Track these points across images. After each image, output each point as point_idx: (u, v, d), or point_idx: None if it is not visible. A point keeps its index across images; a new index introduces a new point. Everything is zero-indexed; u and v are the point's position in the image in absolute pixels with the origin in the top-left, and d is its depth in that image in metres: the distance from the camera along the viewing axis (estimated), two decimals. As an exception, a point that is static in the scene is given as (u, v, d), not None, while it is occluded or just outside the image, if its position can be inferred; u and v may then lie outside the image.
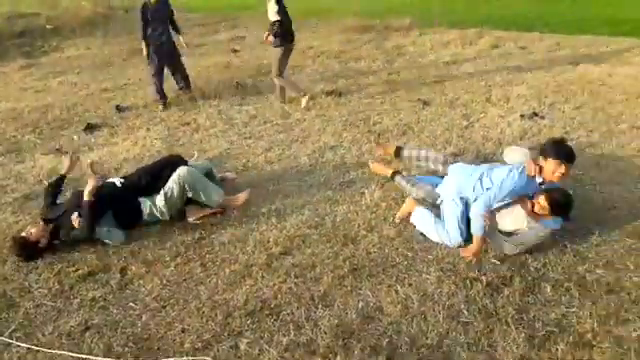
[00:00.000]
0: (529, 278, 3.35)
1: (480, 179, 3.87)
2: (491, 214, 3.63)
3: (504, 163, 4.21)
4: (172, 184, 4.09)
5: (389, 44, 9.72)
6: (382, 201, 4.36)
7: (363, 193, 4.51)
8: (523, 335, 2.91)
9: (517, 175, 3.67)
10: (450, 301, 3.20)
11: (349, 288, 3.37)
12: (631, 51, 8.65)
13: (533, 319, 3.03)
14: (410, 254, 3.67)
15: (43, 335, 3.11)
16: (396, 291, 3.32)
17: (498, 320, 3.03)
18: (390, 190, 4.50)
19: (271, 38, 6.37)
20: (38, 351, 2.99)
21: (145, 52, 6.83)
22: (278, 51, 6.50)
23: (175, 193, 4.07)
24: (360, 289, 3.36)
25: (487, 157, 5.02)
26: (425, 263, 3.57)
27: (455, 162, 4.38)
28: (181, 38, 7.05)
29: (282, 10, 6.26)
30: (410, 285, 3.37)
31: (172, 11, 6.93)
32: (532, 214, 3.56)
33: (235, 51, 9.94)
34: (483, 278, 3.35)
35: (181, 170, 4.14)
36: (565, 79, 7.31)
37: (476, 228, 3.56)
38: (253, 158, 5.31)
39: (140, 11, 6.62)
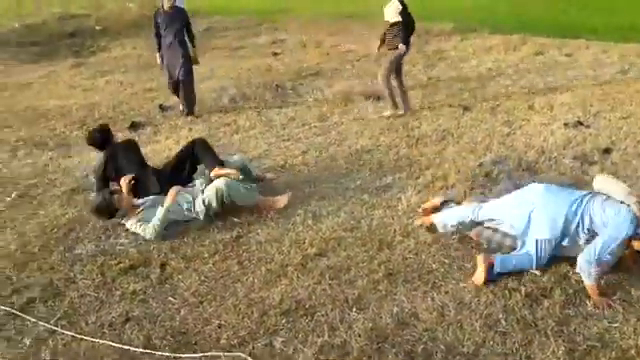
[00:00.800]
0: (570, 291, 3.26)
1: (578, 212, 3.32)
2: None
3: (560, 175, 3.85)
4: (211, 195, 4.15)
5: (430, 48, 9.66)
6: (419, 207, 4.32)
7: (400, 198, 4.49)
8: (563, 348, 2.83)
9: (628, 219, 3.13)
10: (488, 310, 3.15)
11: (384, 292, 3.36)
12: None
13: (574, 332, 2.95)
14: (447, 261, 3.63)
15: (86, 324, 3.22)
16: (432, 298, 3.29)
17: (537, 331, 2.96)
18: (427, 196, 4.46)
19: (401, 46, 6.06)
20: (82, 339, 3.09)
21: (159, 63, 6.50)
22: (394, 53, 6.16)
23: (214, 204, 4.17)
24: (395, 294, 3.35)
25: (529, 165, 4.92)
26: (462, 271, 3.53)
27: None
28: (192, 51, 6.65)
29: (405, 12, 5.97)
30: (446, 293, 3.33)
31: (188, 21, 6.55)
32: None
33: (275, 54, 10.06)
34: (522, 289, 3.28)
35: (219, 183, 4.18)
36: (612, 87, 7.09)
37: (589, 280, 3.17)
38: (291, 160, 5.37)
39: (153, 17, 6.38)
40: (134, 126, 6.45)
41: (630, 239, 3.20)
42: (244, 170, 4.54)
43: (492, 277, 3.38)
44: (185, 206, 4.20)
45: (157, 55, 6.52)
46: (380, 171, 5.03)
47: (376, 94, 7.23)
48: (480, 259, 3.40)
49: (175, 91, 6.66)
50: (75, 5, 14.36)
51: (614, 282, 3.32)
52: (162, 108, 7.10)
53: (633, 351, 2.80)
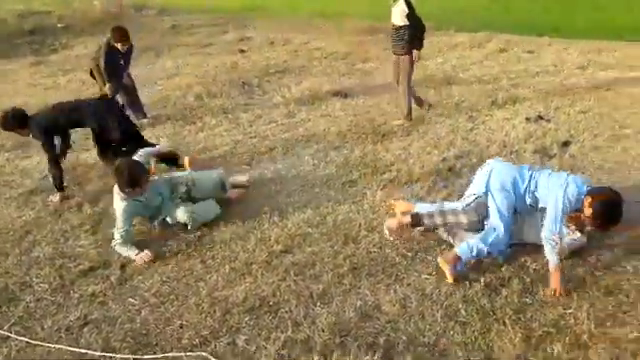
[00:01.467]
0: (527, 280, 3.34)
1: (525, 175, 3.61)
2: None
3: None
4: (182, 217, 4.04)
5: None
6: (384, 202, 4.36)
7: (365, 193, 4.52)
8: (520, 335, 2.90)
9: (573, 187, 3.39)
10: (448, 301, 3.20)
11: (348, 287, 3.38)
12: (637, 57, 8.57)
13: (530, 319, 3.02)
14: (410, 254, 3.67)
15: (42, 329, 3.15)
16: (395, 290, 3.33)
17: (496, 320, 3.02)
18: (392, 191, 4.50)
19: (415, 52, 5.81)
20: (37, 345, 3.02)
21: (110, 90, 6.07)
22: (408, 58, 5.85)
23: (180, 221, 4.09)
24: (359, 288, 3.37)
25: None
26: (424, 263, 3.57)
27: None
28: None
29: (412, 14, 5.67)
30: (409, 285, 3.37)
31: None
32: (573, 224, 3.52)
33: (243, 51, 9.99)
34: (482, 279, 3.34)
35: (188, 214, 4.04)
36: (572, 83, 7.27)
37: (553, 258, 3.28)
38: (257, 157, 5.34)
39: (107, 52, 5.96)
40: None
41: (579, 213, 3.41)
42: (221, 186, 4.42)
43: (462, 269, 3.43)
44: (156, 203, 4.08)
45: (108, 86, 6.12)
46: (346, 167, 5.04)
47: (343, 92, 7.26)
48: (441, 262, 3.43)
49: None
50: (38, 2, 13.97)
51: (569, 269, 3.41)
52: (124, 107, 6.95)
53: (586, 336, 2.88)
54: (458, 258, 3.41)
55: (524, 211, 3.66)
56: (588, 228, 3.54)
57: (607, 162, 4.88)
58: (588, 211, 3.35)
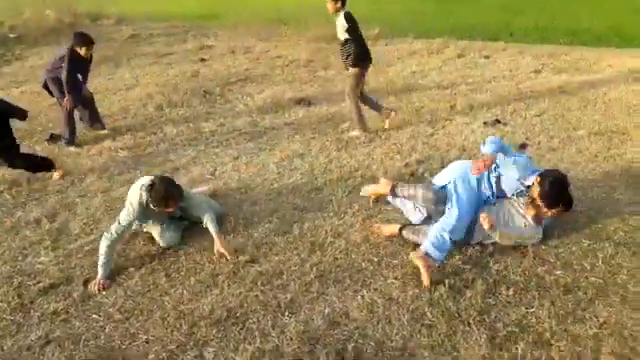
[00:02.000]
0: (490, 280, 3.43)
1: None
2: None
3: None
4: (158, 239, 3.97)
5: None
6: (349, 207, 4.40)
7: (331, 200, 4.55)
8: (485, 336, 2.97)
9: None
10: (414, 304, 3.25)
11: (315, 294, 3.39)
12: (588, 60, 8.97)
13: (494, 320, 3.10)
14: (376, 259, 3.71)
15: (2, 350, 3.03)
16: (362, 296, 3.35)
17: (461, 322, 3.09)
18: (357, 197, 4.54)
19: (351, 69, 5.71)
20: (-4, 366, 2.91)
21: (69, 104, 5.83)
22: (351, 73, 5.77)
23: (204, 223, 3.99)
24: (326, 295, 3.38)
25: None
26: (390, 268, 3.62)
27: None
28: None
29: (353, 28, 5.55)
30: (376, 290, 3.41)
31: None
32: (528, 212, 3.70)
33: (203, 60, 9.90)
34: (446, 281, 3.41)
35: (165, 240, 3.96)
36: (527, 87, 7.53)
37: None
38: (221, 167, 5.30)
39: (70, 60, 5.72)
40: (53, 138, 6.12)
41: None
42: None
43: (439, 259, 3.56)
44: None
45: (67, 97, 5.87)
46: (311, 174, 5.06)
47: (306, 99, 7.29)
48: (415, 257, 3.51)
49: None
50: (-14, 12, 13.51)
51: (530, 269, 3.52)
52: (83, 119, 6.77)
53: (548, 334, 2.98)
54: (426, 254, 3.49)
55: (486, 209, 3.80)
56: (545, 214, 3.69)
57: (563, 162, 5.07)
58: (536, 190, 3.58)
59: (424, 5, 14.15)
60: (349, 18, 5.50)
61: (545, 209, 3.61)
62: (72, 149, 5.87)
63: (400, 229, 3.92)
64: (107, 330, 3.16)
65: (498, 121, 6.17)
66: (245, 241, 3.97)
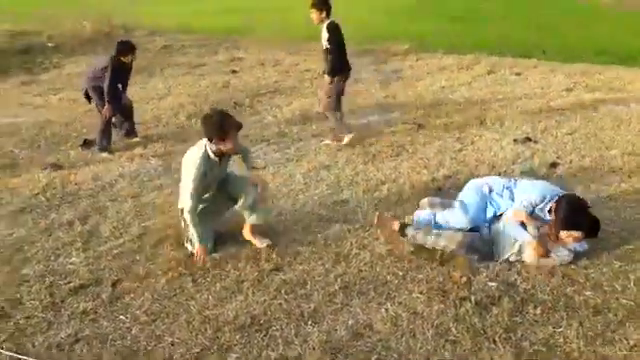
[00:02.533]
0: (518, 298, 3.37)
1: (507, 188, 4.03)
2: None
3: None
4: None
5: (386, 68, 9.88)
6: (375, 221, 4.39)
7: (356, 212, 4.56)
8: (510, 354, 2.92)
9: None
10: (439, 319, 3.22)
11: (339, 305, 3.39)
12: (622, 79, 8.80)
13: (521, 338, 3.05)
14: (401, 273, 3.70)
15: (33, 346, 3.11)
16: (386, 309, 3.34)
17: (486, 339, 3.05)
18: (383, 210, 4.54)
19: (326, 77, 5.88)
20: (27, 361, 2.99)
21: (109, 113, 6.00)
22: (326, 82, 5.93)
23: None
24: (350, 306, 3.38)
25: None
26: (416, 282, 3.60)
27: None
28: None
29: (333, 38, 5.69)
30: (400, 303, 3.39)
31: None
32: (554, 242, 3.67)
33: (234, 72, 10.07)
34: (472, 297, 3.38)
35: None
36: (558, 105, 7.43)
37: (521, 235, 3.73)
38: (248, 176, 5.36)
39: (113, 69, 5.84)
40: (87, 144, 6.29)
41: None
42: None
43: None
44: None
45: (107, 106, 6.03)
46: (337, 186, 5.08)
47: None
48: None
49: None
50: (27, 22, 13.99)
51: (559, 288, 3.46)
52: (116, 126, 6.95)
53: (576, 354, 2.92)
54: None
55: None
56: (565, 241, 3.65)
57: (594, 182, 4.98)
58: (553, 215, 3.61)
59: (454, 22, 14.14)
60: (331, 29, 5.68)
61: (564, 236, 3.58)
62: (104, 155, 6.03)
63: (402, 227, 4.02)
64: (134, 331, 3.21)
65: (529, 139, 6.10)
66: (270, 249, 4.00)
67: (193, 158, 3.77)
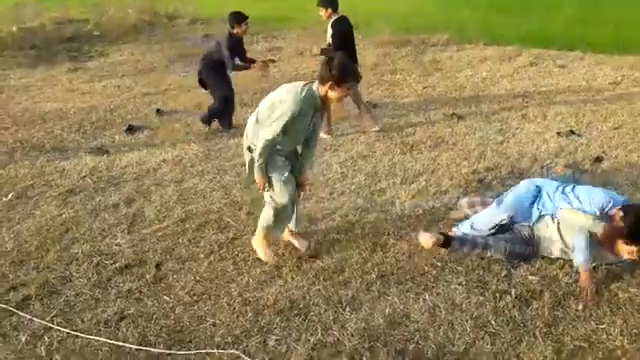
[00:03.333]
0: (559, 293, 3.33)
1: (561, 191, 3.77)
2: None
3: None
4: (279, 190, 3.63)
5: (426, 58, 9.76)
6: (412, 211, 4.39)
7: (393, 202, 4.56)
8: (551, 348, 2.89)
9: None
10: (478, 311, 3.21)
11: (377, 293, 3.42)
12: (675, 72, 8.45)
13: (562, 333, 3.01)
14: (439, 264, 3.69)
15: (82, 321, 3.26)
16: (424, 299, 3.35)
17: (526, 332, 3.02)
18: (421, 201, 4.53)
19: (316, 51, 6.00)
20: (77, 336, 3.13)
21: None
22: None
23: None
24: (388, 295, 3.40)
25: (522, 173, 4.99)
26: (454, 274, 3.58)
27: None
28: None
29: (338, 35, 5.77)
30: (438, 294, 3.39)
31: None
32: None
33: (272, 61, 10.11)
34: (512, 291, 3.35)
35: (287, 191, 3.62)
36: (604, 98, 7.20)
37: (578, 258, 3.41)
38: (287, 164, 5.41)
39: (230, 42, 6.05)
40: (131, 129, 6.48)
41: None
42: None
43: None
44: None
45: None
46: (375, 176, 5.09)
47: (372, 102, 7.31)
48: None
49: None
50: (74, 10, 14.41)
51: (603, 284, 3.39)
52: (159, 112, 7.14)
53: (619, 351, 2.86)
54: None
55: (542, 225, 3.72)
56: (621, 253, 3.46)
57: (641, 178, 4.83)
58: (615, 222, 3.41)
59: (496, 13, 13.81)
60: (335, 26, 5.77)
61: (622, 247, 3.38)
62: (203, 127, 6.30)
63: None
64: (177, 311, 3.32)
65: (572, 132, 5.95)
66: (309, 237, 4.05)
67: (295, 92, 3.37)
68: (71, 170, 5.40)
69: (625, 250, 3.36)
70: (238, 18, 6.13)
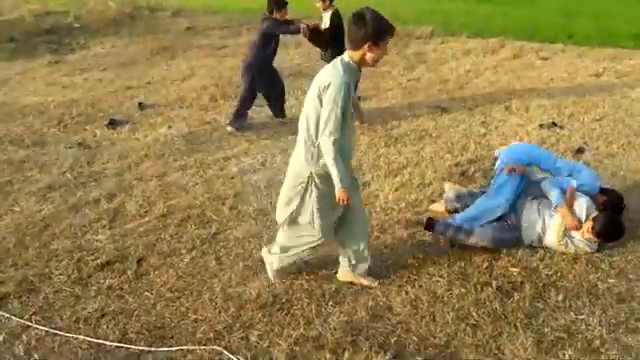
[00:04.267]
0: (540, 284, 3.36)
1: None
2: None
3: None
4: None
5: (410, 51, 9.77)
6: (396, 204, 4.40)
7: (377, 196, 4.56)
8: (531, 339, 2.92)
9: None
10: (460, 303, 3.23)
11: (359, 287, 3.42)
12: (655, 64, 8.56)
13: (542, 324, 3.04)
14: (422, 256, 3.70)
15: (61, 319, 3.21)
16: (406, 292, 3.36)
17: (507, 323, 3.05)
18: (404, 193, 4.54)
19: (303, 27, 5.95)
20: (56, 334, 3.08)
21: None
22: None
23: None
24: (370, 288, 3.40)
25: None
26: (436, 266, 3.60)
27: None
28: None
29: (337, 27, 6.00)
30: (420, 287, 3.40)
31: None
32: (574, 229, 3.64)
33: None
34: (493, 282, 3.37)
35: None
36: (586, 90, 7.27)
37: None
38: (271, 158, 5.40)
39: (276, 24, 5.97)
40: (112, 123, 6.39)
41: None
42: None
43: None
44: None
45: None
46: (359, 169, 5.08)
47: (357, 94, 7.28)
48: None
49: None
50: (53, 2, 14.16)
51: (582, 275, 3.43)
52: (141, 106, 7.05)
53: (598, 341, 2.90)
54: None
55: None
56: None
57: (621, 169, 4.89)
58: (590, 224, 3.60)
59: (479, 5, 13.86)
60: (332, 17, 6.01)
61: (586, 230, 3.60)
62: (229, 129, 6.12)
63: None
64: (158, 307, 3.29)
65: (554, 124, 6.00)
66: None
67: (333, 71, 2.91)
68: (51, 165, 5.31)
69: (589, 235, 3.56)
70: (279, 4, 6.04)
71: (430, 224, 3.77)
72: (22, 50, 10.46)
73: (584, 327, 3.01)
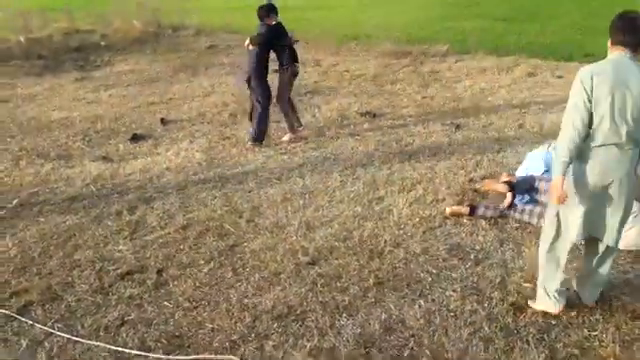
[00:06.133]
0: (553, 300, 3.36)
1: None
2: None
3: None
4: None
5: (425, 69, 9.86)
6: (409, 219, 4.45)
7: (391, 210, 4.62)
8: (543, 355, 2.93)
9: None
10: (472, 318, 3.26)
11: (373, 300, 3.47)
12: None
13: (555, 340, 3.05)
14: (435, 271, 3.74)
15: (82, 327, 3.32)
16: (419, 305, 3.40)
17: (519, 339, 3.06)
18: (418, 209, 4.59)
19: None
20: (77, 342, 3.18)
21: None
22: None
23: None
24: (384, 301, 3.45)
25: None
26: (449, 281, 3.64)
27: None
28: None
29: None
30: (433, 300, 3.44)
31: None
32: None
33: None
34: (507, 298, 3.39)
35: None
36: (603, 109, 7.25)
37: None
38: (287, 173, 5.50)
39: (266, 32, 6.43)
40: (135, 138, 6.59)
41: None
42: None
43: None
44: None
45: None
46: (373, 184, 5.15)
47: (371, 112, 7.39)
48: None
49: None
50: (81, 21, 14.64)
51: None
52: (163, 122, 7.25)
53: (611, 358, 2.90)
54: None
55: None
56: None
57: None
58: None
59: (495, 23, 13.94)
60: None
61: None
62: (249, 145, 6.26)
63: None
64: (176, 317, 3.38)
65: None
66: (307, 244, 4.11)
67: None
68: (75, 178, 5.49)
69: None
70: (264, 10, 6.46)
71: (472, 209, 4.46)
72: (50, 67, 10.84)
73: (597, 344, 3.01)
